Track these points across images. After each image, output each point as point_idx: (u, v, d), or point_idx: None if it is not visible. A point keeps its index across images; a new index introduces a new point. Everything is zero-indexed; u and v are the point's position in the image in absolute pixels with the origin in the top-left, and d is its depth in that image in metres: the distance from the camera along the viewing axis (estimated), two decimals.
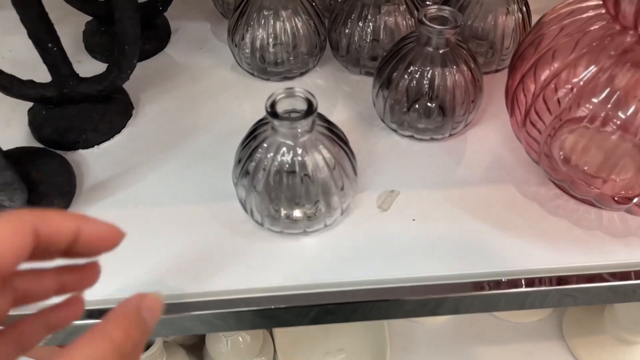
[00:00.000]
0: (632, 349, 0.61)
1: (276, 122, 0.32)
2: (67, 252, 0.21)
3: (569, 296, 0.38)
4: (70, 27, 0.52)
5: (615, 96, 0.32)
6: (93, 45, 0.50)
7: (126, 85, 0.45)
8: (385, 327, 0.62)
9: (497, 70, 0.50)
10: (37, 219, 0.19)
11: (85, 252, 0.21)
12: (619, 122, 0.33)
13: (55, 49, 0.39)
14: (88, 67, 0.49)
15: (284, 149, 0.33)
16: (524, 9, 0.47)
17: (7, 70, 0.40)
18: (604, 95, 0.33)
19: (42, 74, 0.41)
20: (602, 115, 0.33)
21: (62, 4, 0.50)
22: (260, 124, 0.35)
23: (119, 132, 0.44)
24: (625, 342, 0.60)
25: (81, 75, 0.42)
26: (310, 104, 0.32)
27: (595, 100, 0.33)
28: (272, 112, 0.32)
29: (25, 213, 0.19)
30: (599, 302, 0.38)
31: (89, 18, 0.52)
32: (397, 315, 0.38)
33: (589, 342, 0.63)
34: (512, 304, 0.38)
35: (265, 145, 0.34)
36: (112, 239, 0.21)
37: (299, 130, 0.33)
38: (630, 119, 0.32)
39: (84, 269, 0.23)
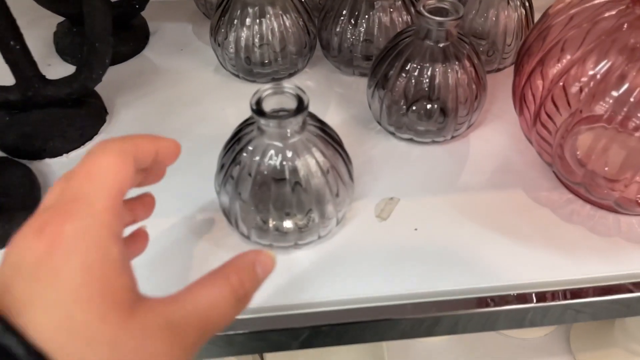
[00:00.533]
0: None
1: (262, 122, 0.29)
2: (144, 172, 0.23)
3: (582, 312, 0.34)
4: (41, 29, 0.49)
5: (636, 92, 0.29)
6: (64, 47, 0.47)
7: (99, 89, 0.41)
8: (384, 346, 0.58)
9: (498, 70, 0.47)
10: (133, 147, 0.21)
11: (156, 169, 0.24)
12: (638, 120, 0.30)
13: (17, 47, 0.35)
14: (59, 70, 0.45)
15: (272, 151, 0.30)
16: (527, 4, 0.44)
17: None
18: (622, 91, 0.30)
19: (6, 77, 0.37)
20: (621, 114, 0.30)
21: (33, 5, 0.46)
22: (245, 124, 0.32)
23: (90, 139, 0.40)
24: (638, 355, 0.57)
25: (52, 78, 0.38)
26: (300, 100, 0.29)
27: (612, 97, 0.30)
28: (258, 109, 0.28)
29: (123, 142, 0.20)
30: (626, 315, 0.34)
31: (62, 19, 0.49)
32: (392, 337, 0.34)
33: (599, 356, 0.59)
34: (522, 322, 0.35)
35: (250, 147, 0.30)
36: (177, 151, 0.24)
37: (289, 131, 0.29)
38: None
39: (145, 198, 0.26)
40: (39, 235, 0.17)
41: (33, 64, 0.37)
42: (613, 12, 0.31)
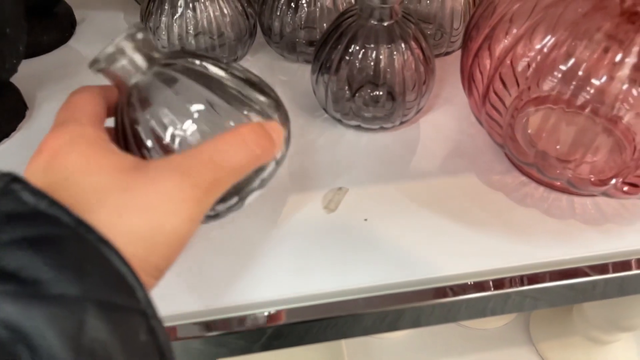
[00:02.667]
0: (606, 349, 0.57)
1: None
2: None
3: (540, 300, 0.33)
4: None
5: (583, 67, 0.28)
6: None
7: (18, 82, 0.37)
8: (343, 345, 0.56)
9: (447, 53, 0.45)
10: (101, 89, 0.24)
11: None
12: (588, 100, 0.28)
13: None
14: None
15: None
16: None
17: None
18: (569, 66, 0.29)
19: None
20: (568, 92, 0.29)
21: None
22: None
23: (7, 136, 0.36)
24: (598, 342, 0.57)
25: None
26: None
27: (560, 71, 0.29)
28: None
29: (94, 86, 0.24)
30: (582, 300, 0.33)
31: None
32: (354, 333, 0.32)
33: (559, 344, 0.59)
34: (483, 311, 0.33)
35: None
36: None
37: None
38: (599, 96, 0.28)
39: None
40: (38, 154, 0.20)
41: None
42: None
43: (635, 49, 0.27)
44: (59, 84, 0.41)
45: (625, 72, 0.28)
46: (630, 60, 0.27)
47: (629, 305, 0.51)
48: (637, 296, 0.51)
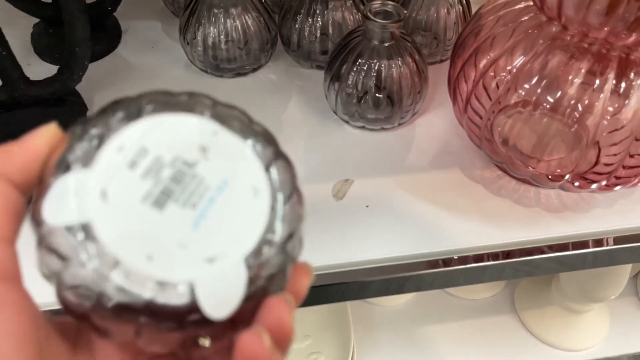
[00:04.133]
0: (579, 318, 0.65)
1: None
2: None
3: (520, 270, 0.41)
4: (18, 29, 0.52)
5: (544, 82, 0.35)
6: (42, 47, 0.50)
7: (79, 87, 0.45)
8: (348, 311, 0.64)
9: (441, 61, 0.52)
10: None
11: None
12: (548, 106, 0.35)
13: (4, 53, 0.38)
14: (37, 69, 0.48)
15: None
16: (464, 1, 0.50)
17: None
18: (534, 81, 0.36)
19: None
20: (533, 99, 0.36)
21: (8, 6, 0.49)
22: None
23: None
24: (573, 312, 0.65)
25: (31, 77, 0.42)
26: None
27: (527, 86, 0.36)
28: None
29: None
30: (543, 273, 0.41)
31: (36, 20, 0.52)
32: (365, 295, 0.40)
33: (539, 313, 0.67)
34: (465, 280, 0.41)
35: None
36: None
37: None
38: (558, 103, 0.35)
39: None
40: None
41: (18, 67, 0.40)
42: (526, 17, 0.37)
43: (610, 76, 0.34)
44: (112, 88, 0.48)
45: (580, 79, 0.35)
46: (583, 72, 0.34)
47: (600, 280, 0.59)
48: (608, 271, 0.58)
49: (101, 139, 0.17)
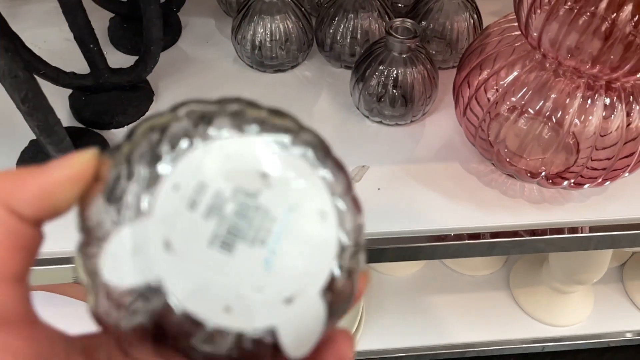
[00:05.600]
0: (565, 297, 0.73)
1: None
2: None
3: (503, 247, 0.49)
4: (95, 22, 0.61)
5: (527, 96, 0.43)
6: (117, 39, 0.60)
7: (148, 76, 0.55)
8: None
9: (453, 67, 0.60)
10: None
11: None
12: (529, 114, 0.43)
13: (95, 48, 0.48)
14: (112, 58, 0.58)
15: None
16: (475, 16, 0.57)
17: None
18: (520, 95, 0.44)
19: (72, 63, 0.50)
20: (518, 108, 0.44)
21: (86, 1, 0.59)
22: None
23: (143, 114, 0.54)
24: (559, 292, 0.73)
25: (109, 66, 0.52)
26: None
27: (514, 98, 0.44)
28: None
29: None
30: (519, 252, 0.50)
31: (110, 14, 0.61)
32: (385, 259, 0.49)
33: (530, 291, 0.75)
34: (461, 253, 0.50)
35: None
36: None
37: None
38: (537, 112, 0.43)
39: None
40: None
41: (104, 59, 0.50)
42: (519, 44, 0.44)
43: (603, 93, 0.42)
44: (174, 76, 0.58)
45: (555, 95, 0.42)
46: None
47: (583, 263, 0.67)
48: (591, 256, 0.67)
49: (153, 178, 0.16)
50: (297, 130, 0.18)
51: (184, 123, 0.17)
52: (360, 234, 0.18)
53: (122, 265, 0.15)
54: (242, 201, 0.16)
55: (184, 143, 0.16)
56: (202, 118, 0.17)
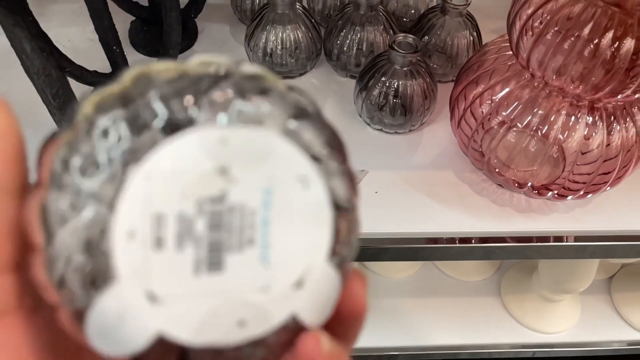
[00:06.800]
0: (552, 306, 0.76)
1: None
2: None
3: (491, 252, 0.52)
4: (117, 24, 0.65)
5: (516, 111, 0.46)
6: (137, 40, 0.63)
7: None
8: None
9: (452, 80, 0.63)
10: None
11: None
12: (518, 128, 0.47)
13: (118, 50, 0.52)
14: (132, 58, 0.62)
15: None
16: (475, 33, 0.61)
17: None
18: (509, 110, 0.47)
19: (95, 62, 0.54)
20: (507, 122, 0.47)
21: (111, 4, 0.62)
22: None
23: None
24: (547, 300, 0.76)
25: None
26: None
27: (504, 113, 0.47)
28: None
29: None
30: (506, 258, 0.53)
31: (131, 17, 0.65)
32: (383, 258, 0.52)
33: (519, 298, 0.78)
34: (452, 255, 0.53)
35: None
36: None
37: None
38: (526, 127, 0.46)
39: None
40: None
41: (125, 60, 0.54)
42: (511, 63, 0.48)
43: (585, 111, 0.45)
44: None
45: (543, 112, 0.46)
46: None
47: (570, 273, 0.70)
48: (577, 266, 0.69)
49: (100, 231, 0.13)
50: (258, 89, 0.15)
51: (99, 144, 0.13)
52: (350, 180, 0.17)
53: (114, 336, 0.14)
54: (210, 211, 0.14)
55: (111, 179, 0.13)
56: (105, 133, 0.13)
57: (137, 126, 0.13)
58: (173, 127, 0.14)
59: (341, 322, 0.17)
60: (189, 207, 0.14)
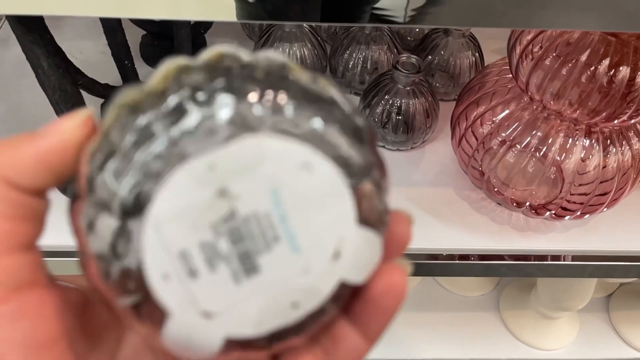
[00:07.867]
0: (550, 323, 0.77)
1: None
2: None
3: (489, 269, 0.53)
4: (128, 38, 0.67)
5: (515, 132, 0.48)
6: (148, 54, 0.65)
7: None
8: None
9: (454, 99, 0.65)
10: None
11: None
12: (517, 149, 0.48)
13: (129, 65, 0.53)
14: (143, 72, 0.63)
15: None
16: (477, 54, 0.62)
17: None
18: (509, 131, 0.49)
19: (105, 74, 0.55)
20: (507, 142, 0.49)
21: (123, 19, 0.64)
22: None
23: None
24: (545, 317, 0.76)
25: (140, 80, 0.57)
26: None
27: (504, 134, 0.48)
28: None
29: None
30: (503, 275, 0.54)
31: (144, 32, 0.67)
32: None
33: (518, 315, 0.79)
34: (450, 272, 0.54)
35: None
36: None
37: None
38: (525, 147, 0.47)
39: None
40: None
41: (136, 74, 0.55)
42: (511, 85, 0.49)
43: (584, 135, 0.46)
44: None
45: (541, 134, 0.47)
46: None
47: (568, 291, 0.71)
48: (575, 284, 0.70)
49: (138, 291, 0.15)
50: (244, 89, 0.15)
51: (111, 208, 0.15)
52: (358, 137, 0.16)
53: (190, 349, 0.16)
54: (227, 229, 0.15)
55: (122, 238, 0.15)
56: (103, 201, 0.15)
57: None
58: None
59: (390, 255, 0.18)
60: (206, 234, 0.15)
